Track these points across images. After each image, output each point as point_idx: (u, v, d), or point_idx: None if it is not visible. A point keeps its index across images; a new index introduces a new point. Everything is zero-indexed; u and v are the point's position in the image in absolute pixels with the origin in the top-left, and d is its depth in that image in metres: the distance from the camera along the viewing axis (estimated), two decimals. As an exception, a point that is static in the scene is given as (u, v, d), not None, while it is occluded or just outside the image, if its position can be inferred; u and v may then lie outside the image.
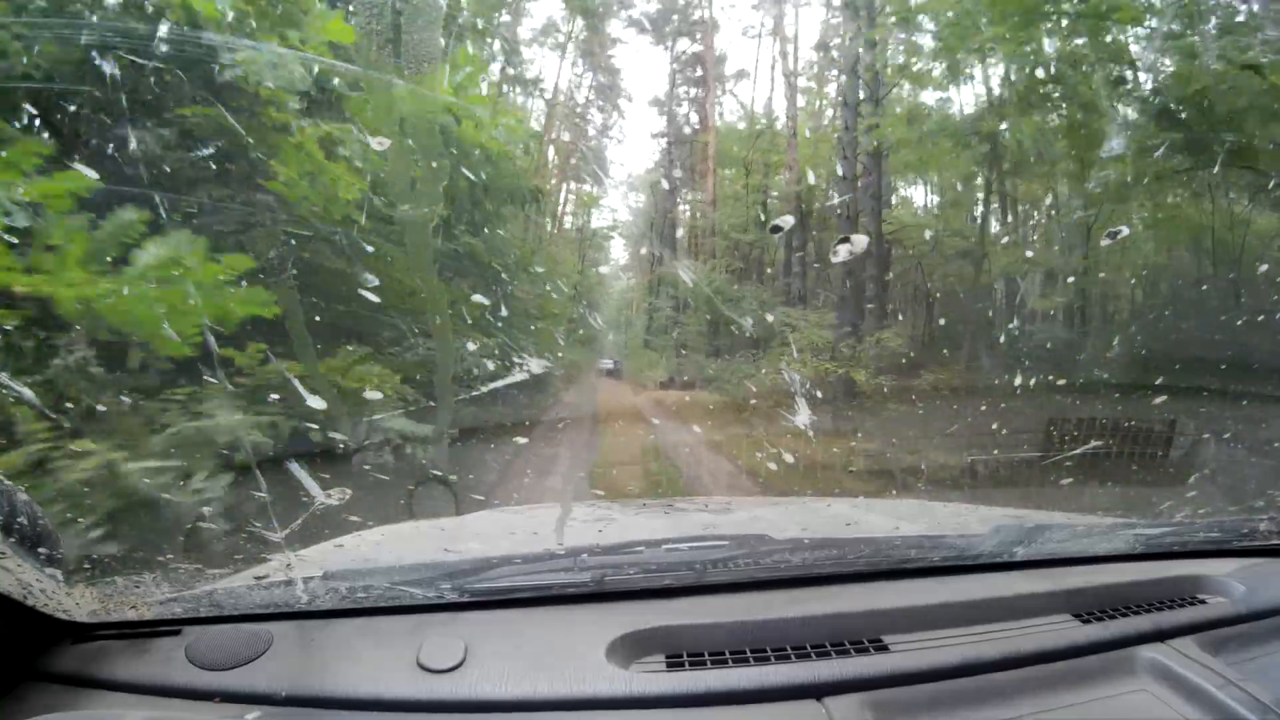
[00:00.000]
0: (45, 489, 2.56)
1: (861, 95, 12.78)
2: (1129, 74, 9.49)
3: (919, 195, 17.63)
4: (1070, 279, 11.66)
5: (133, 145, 4.11)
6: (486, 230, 8.80)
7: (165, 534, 3.06)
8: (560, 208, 20.68)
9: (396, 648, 0.92)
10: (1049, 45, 9.82)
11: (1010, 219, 14.55)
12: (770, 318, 13.29)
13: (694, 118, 21.03)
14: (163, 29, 4.39)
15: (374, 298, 4.89)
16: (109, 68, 4.04)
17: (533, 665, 0.90)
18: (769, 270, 17.70)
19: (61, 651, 0.91)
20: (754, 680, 0.88)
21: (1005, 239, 13.59)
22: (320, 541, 1.46)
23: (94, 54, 4.19)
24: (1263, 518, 1.40)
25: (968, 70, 12.22)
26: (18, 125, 3.82)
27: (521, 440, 7.91)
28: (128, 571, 1.11)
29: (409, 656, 0.89)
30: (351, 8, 6.22)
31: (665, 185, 20.86)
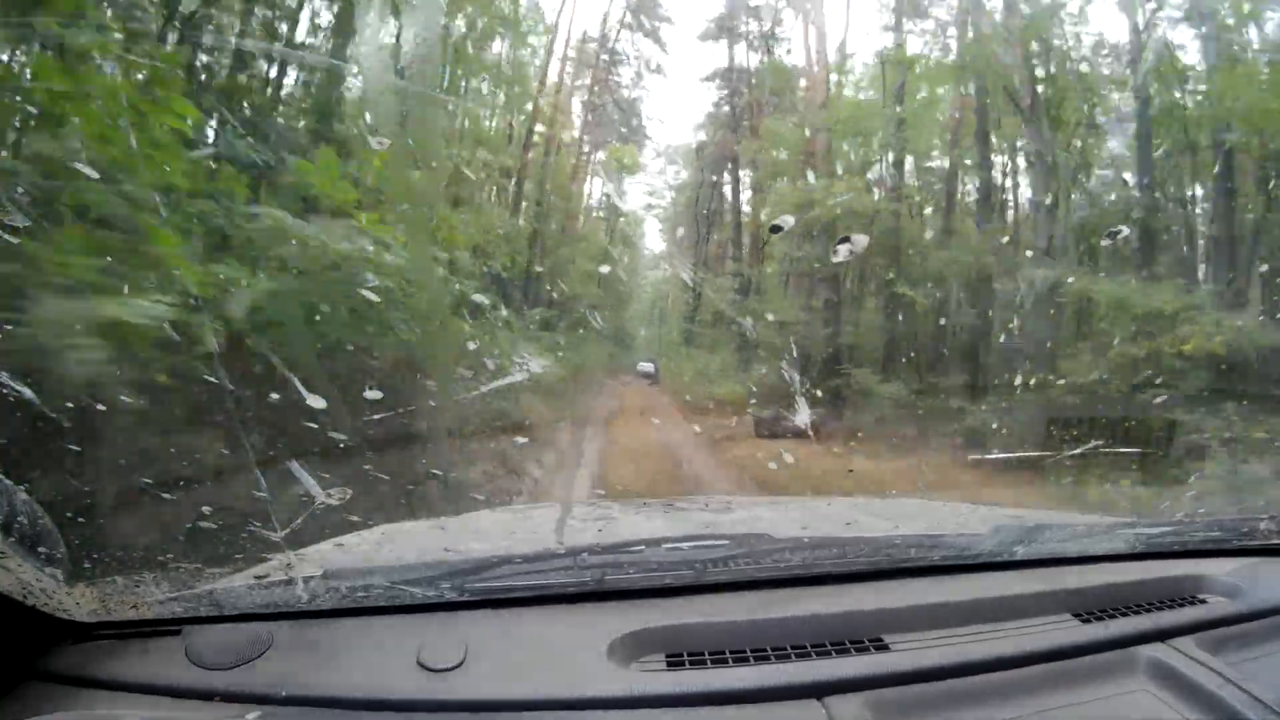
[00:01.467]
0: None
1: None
2: None
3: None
4: None
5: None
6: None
7: (165, 534, 3.06)
8: (576, 166, 15.88)
9: (396, 647, 0.92)
10: None
11: None
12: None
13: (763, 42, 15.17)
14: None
15: (374, 297, 4.87)
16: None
17: (533, 665, 0.90)
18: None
19: (61, 651, 0.91)
20: (754, 680, 0.88)
21: None
22: (320, 541, 1.46)
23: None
24: (1263, 517, 1.40)
25: None
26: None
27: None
28: (128, 571, 1.11)
29: (409, 656, 0.89)
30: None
31: (728, 119, 15.55)
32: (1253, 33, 8.91)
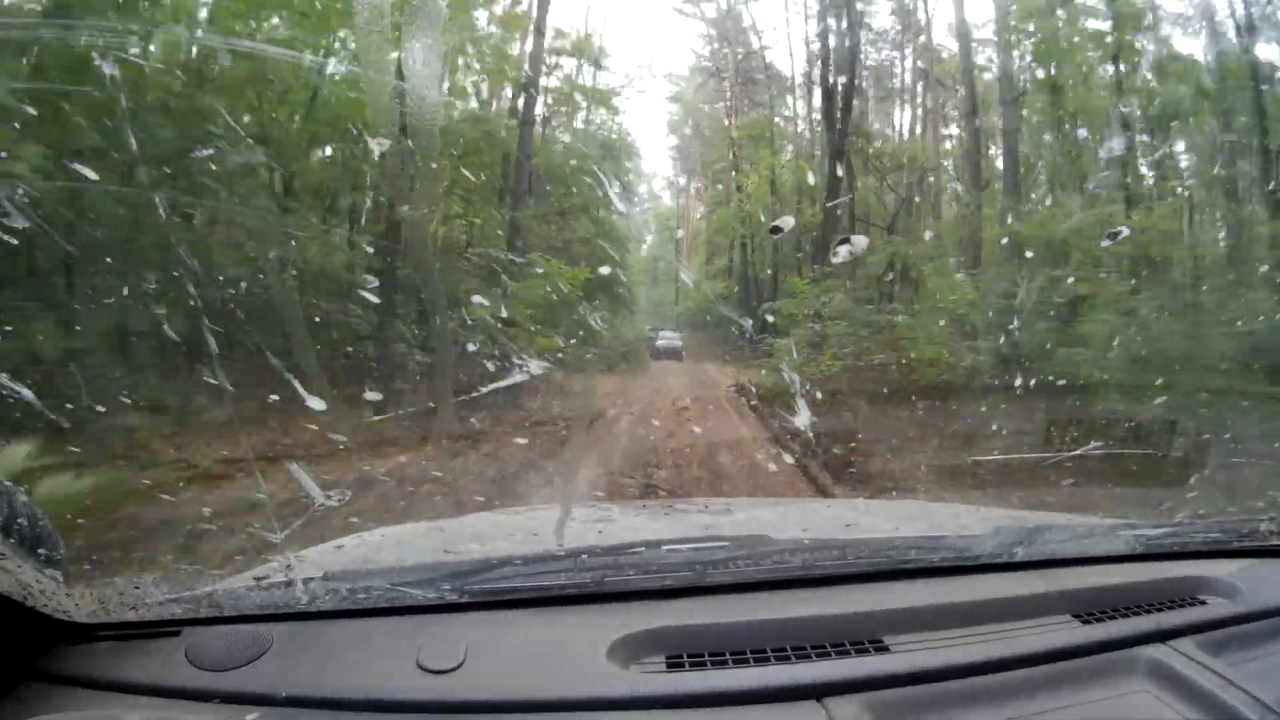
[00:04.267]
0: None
1: None
2: None
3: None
4: None
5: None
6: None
7: (166, 534, 3.06)
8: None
9: (396, 649, 0.92)
10: None
11: None
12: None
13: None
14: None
15: (374, 298, 4.87)
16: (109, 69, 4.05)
17: (533, 666, 0.90)
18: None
19: (61, 652, 0.91)
20: (754, 681, 0.88)
21: None
22: (320, 542, 1.46)
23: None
24: (1263, 518, 1.40)
25: None
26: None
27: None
28: (128, 572, 1.11)
29: (409, 657, 0.89)
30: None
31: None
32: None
